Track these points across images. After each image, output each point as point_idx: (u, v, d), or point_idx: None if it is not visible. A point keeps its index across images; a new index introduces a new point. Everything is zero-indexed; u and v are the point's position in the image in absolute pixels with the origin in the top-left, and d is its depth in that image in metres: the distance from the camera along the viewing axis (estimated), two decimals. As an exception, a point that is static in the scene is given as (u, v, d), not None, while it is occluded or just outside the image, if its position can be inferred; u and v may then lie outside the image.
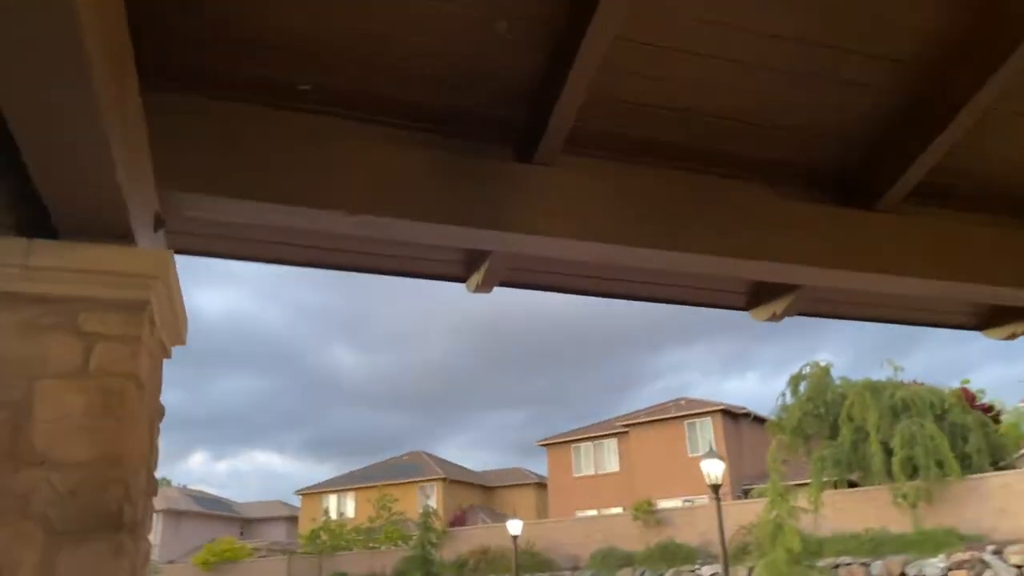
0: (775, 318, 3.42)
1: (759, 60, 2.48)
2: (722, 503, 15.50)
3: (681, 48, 2.42)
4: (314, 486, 47.43)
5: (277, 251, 2.95)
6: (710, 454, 15.01)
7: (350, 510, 43.56)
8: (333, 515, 41.08)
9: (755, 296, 3.48)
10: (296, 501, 48.67)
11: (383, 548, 35.38)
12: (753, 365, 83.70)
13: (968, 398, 28.14)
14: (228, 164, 2.21)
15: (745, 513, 25.30)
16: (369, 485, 43.90)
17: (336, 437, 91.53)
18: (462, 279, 3.20)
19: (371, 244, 2.95)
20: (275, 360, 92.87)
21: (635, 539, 29.08)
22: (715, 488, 14.51)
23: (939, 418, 24.28)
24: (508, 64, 2.41)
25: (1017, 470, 24.57)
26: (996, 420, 29.12)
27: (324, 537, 36.84)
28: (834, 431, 25.47)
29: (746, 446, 33.26)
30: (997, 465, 24.63)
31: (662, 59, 2.46)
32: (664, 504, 30.74)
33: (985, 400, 29.80)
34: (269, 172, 2.26)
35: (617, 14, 2.12)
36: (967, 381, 29.52)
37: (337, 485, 46.48)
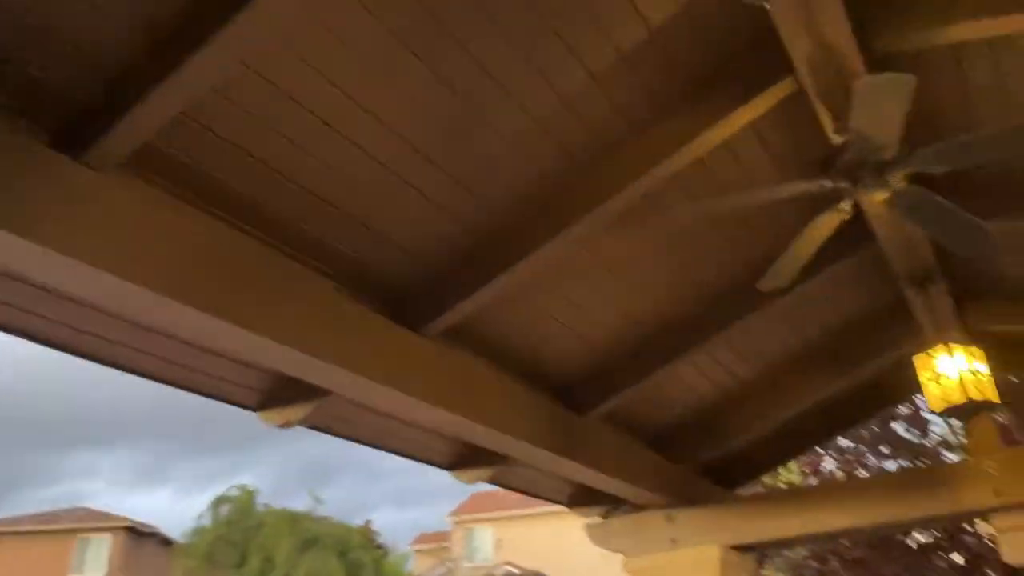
0: (289, 425, 3.16)
1: (376, 153, 2.40)
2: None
3: (308, 106, 2.20)
4: None
5: None
6: None
7: None
8: None
9: (271, 397, 3.19)
10: None
11: None
12: (168, 481, 78.17)
13: (369, 537, 30.76)
14: None
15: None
16: None
17: None
18: None
19: None
20: None
21: None
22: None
23: (342, 554, 25.72)
24: (97, 26, 1.85)
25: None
26: (385, 557, 32.33)
27: None
28: (245, 559, 24.89)
29: (148, 570, 30.10)
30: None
31: (286, 111, 2.19)
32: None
33: (380, 540, 33.07)
34: None
35: (271, 22, 1.81)
36: (371, 521, 32.45)
37: None
